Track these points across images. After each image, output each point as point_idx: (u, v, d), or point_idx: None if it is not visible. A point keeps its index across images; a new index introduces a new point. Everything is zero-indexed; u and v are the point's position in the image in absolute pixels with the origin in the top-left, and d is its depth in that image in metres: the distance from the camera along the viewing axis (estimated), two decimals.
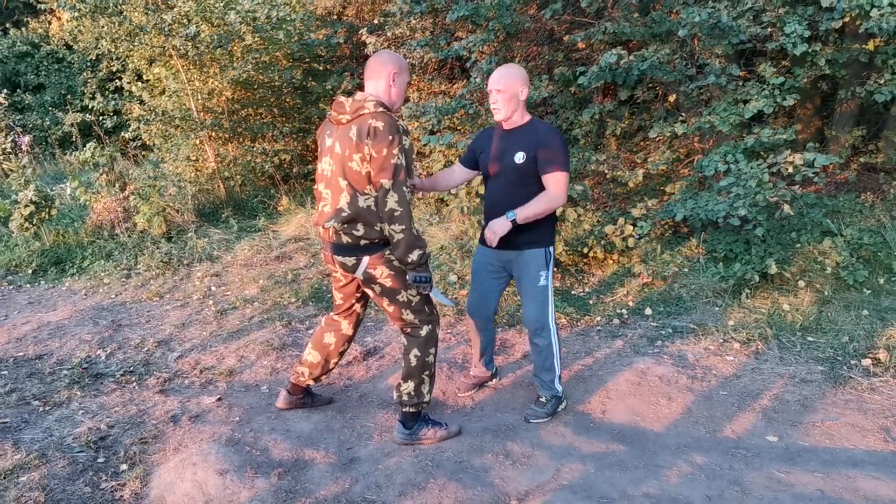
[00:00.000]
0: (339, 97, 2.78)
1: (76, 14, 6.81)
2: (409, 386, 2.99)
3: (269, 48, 7.91)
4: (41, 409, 3.46)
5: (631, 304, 4.68)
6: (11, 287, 5.90)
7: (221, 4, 7.36)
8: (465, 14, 5.53)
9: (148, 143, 8.60)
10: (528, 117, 3.10)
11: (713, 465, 2.79)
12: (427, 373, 3.01)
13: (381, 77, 2.77)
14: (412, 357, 2.98)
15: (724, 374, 3.62)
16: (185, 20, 7.24)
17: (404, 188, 2.65)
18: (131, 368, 3.98)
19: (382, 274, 2.84)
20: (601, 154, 6.10)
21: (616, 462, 2.85)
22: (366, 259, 2.81)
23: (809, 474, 2.69)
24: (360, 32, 7.17)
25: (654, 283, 4.92)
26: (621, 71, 5.02)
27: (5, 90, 9.54)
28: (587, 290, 5.01)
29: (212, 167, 8.13)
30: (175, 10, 7.17)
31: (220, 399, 3.52)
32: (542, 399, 3.29)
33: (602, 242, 5.24)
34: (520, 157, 2.99)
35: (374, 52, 7.56)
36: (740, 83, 5.08)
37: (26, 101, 11.90)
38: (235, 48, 7.73)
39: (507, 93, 2.99)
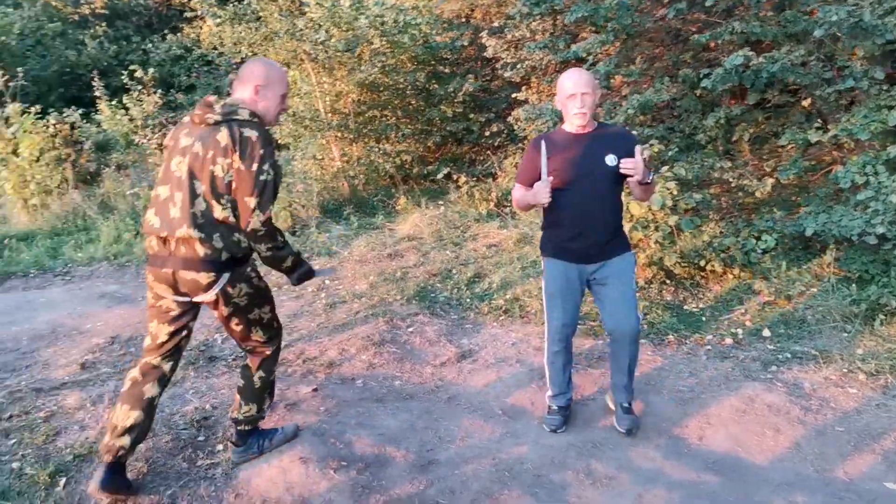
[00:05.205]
0: (209, 97, 2.57)
1: (218, 21, 7.36)
2: (253, 408, 2.86)
3: (394, 51, 8.14)
4: None
5: (748, 323, 4.36)
6: None
7: (353, 10, 7.67)
8: (583, 15, 5.39)
9: (280, 142, 9.13)
10: (594, 121, 3.06)
11: None
12: (269, 390, 2.94)
13: (246, 86, 2.59)
14: (257, 379, 2.83)
15: (843, 407, 3.29)
16: (317, 26, 7.60)
17: (270, 206, 2.50)
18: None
19: (241, 292, 2.60)
20: (726, 161, 5.73)
21: (707, 493, 2.67)
22: (226, 276, 2.52)
23: None
24: (480, 35, 7.19)
25: (777, 303, 4.56)
26: (749, 73, 4.70)
27: (160, 90, 10.44)
28: (701, 305, 4.73)
29: (337, 166, 8.49)
30: (306, 16, 7.56)
31: (315, 389, 3.66)
32: (629, 405, 3.18)
33: (721, 256, 4.93)
34: (612, 160, 2.91)
35: (493, 56, 7.64)
36: (884, 87, 4.58)
37: (178, 101, 12.98)
38: (363, 52, 8.02)
39: (594, 96, 2.93)
